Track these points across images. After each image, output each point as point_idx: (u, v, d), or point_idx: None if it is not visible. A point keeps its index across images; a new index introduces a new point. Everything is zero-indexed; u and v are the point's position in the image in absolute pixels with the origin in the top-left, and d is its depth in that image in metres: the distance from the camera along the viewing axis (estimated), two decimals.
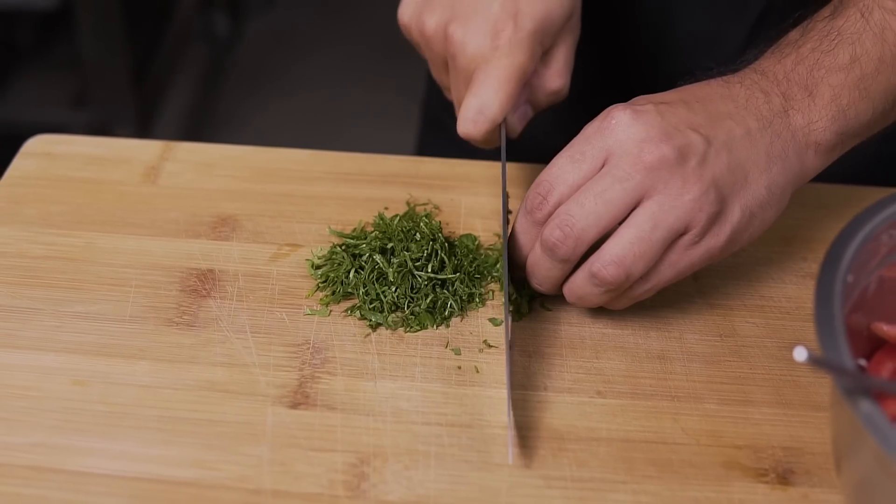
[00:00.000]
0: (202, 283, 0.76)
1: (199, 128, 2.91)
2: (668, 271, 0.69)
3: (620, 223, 0.67)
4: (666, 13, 0.97)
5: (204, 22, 3.29)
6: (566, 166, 0.68)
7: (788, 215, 0.82)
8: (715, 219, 0.67)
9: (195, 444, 0.65)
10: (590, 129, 0.69)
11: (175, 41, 3.10)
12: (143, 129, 2.73)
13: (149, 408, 0.67)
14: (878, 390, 0.51)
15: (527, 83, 0.79)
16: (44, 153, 0.88)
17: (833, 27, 0.71)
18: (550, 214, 0.69)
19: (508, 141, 0.79)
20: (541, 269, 0.70)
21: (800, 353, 0.47)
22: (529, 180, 0.87)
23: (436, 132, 1.14)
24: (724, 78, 0.72)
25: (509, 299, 0.72)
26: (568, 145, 0.69)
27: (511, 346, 0.70)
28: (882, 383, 0.52)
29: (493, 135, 0.76)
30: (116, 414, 0.67)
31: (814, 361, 0.48)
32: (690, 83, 0.73)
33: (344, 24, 3.42)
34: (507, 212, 0.76)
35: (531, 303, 0.76)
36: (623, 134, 0.67)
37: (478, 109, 0.75)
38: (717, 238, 0.68)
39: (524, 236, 0.71)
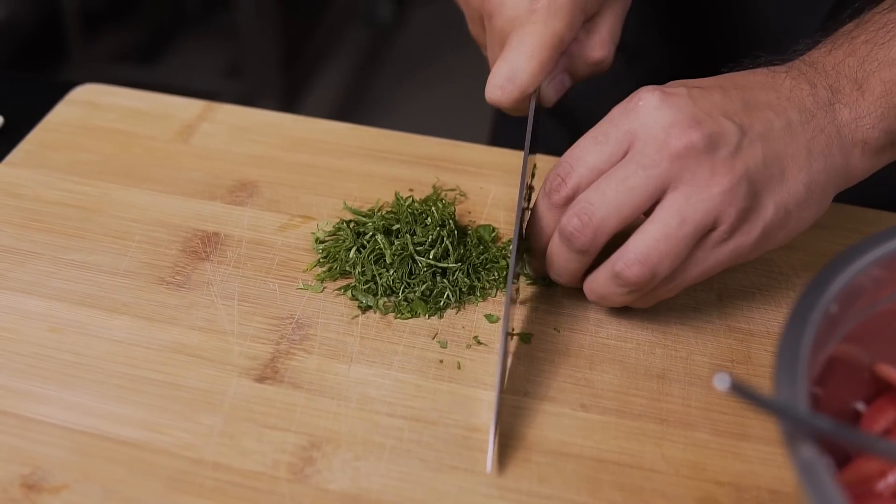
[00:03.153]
0: (204, 246, 0.75)
1: (344, 109, 2.92)
2: (694, 270, 0.64)
3: (644, 215, 0.63)
4: (739, 4, 0.90)
5: (368, 5, 3.32)
6: (588, 147, 0.64)
7: (839, 241, 0.76)
8: (746, 215, 0.62)
9: (151, 405, 0.63)
10: (616, 111, 0.64)
11: (335, 22, 3.14)
12: (288, 104, 2.77)
13: (116, 363, 0.66)
14: (829, 437, 0.45)
15: (566, 52, 0.73)
16: (88, 102, 0.88)
17: (890, 19, 0.65)
18: (569, 198, 0.64)
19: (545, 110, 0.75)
20: (559, 259, 0.66)
21: (721, 381, 0.42)
22: None
23: (507, 118, 1.09)
24: (771, 67, 0.66)
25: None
26: (593, 127, 0.65)
27: (507, 345, 0.65)
28: (837, 430, 0.45)
29: (522, 103, 0.72)
30: (82, 366, 0.66)
31: (739, 393, 0.42)
32: (736, 70, 0.67)
33: None
34: (523, 194, 0.70)
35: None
36: (649, 117, 0.62)
37: (507, 76, 0.70)
38: (748, 236, 0.63)
39: (542, 220, 0.67)
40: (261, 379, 0.65)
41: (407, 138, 0.86)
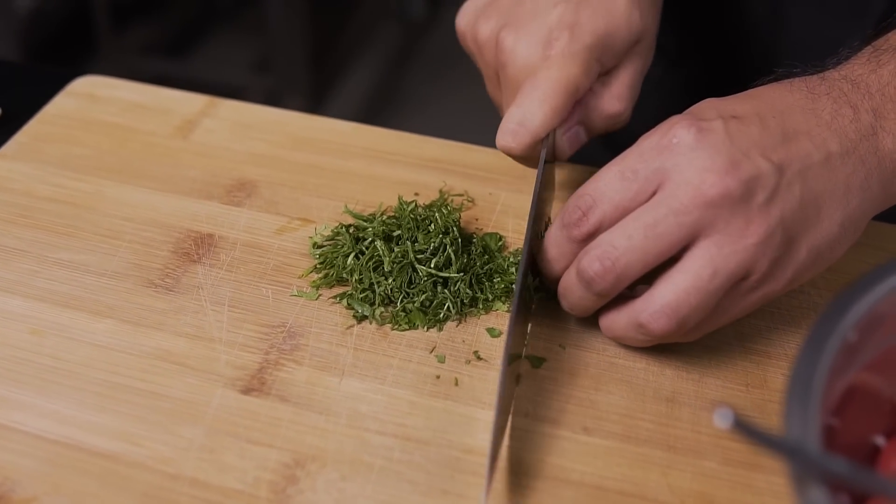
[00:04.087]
0: (197, 247, 0.71)
1: (373, 107, 2.89)
2: (720, 318, 0.60)
3: (669, 259, 0.58)
4: (778, 18, 0.86)
5: (400, 3, 3.28)
6: (614, 182, 0.59)
7: (866, 260, 0.72)
8: (778, 262, 0.58)
9: (129, 415, 0.60)
10: (646, 144, 0.59)
11: (366, 19, 3.11)
12: (316, 101, 2.75)
13: (96, 369, 0.63)
14: (841, 481, 0.41)
15: (582, 103, 0.71)
16: (87, 94, 0.85)
17: None
18: (589, 234, 0.60)
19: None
20: (573, 297, 0.62)
21: (723, 417, 0.38)
22: (579, 184, 0.78)
23: None
24: (810, 85, 0.61)
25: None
26: (619, 157, 0.60)
27: (508, 361, 0.61)
28: (851, 473, 0.41)
29: (533, 151, 0.68)
30: (61, 371, 0.63)
31: (742, 431, 0.38)
32: (770, 82, 0.63)
33: None
34: (530, 232, 0.67)
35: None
36: (683, 157, 0.57)
37: (519, 121, 0.67)
38: (778, 282, 0.59)
39: (556, 249, 0.63)
40: (247, 390, 0.62)
41: (414, 140, 0.82)
